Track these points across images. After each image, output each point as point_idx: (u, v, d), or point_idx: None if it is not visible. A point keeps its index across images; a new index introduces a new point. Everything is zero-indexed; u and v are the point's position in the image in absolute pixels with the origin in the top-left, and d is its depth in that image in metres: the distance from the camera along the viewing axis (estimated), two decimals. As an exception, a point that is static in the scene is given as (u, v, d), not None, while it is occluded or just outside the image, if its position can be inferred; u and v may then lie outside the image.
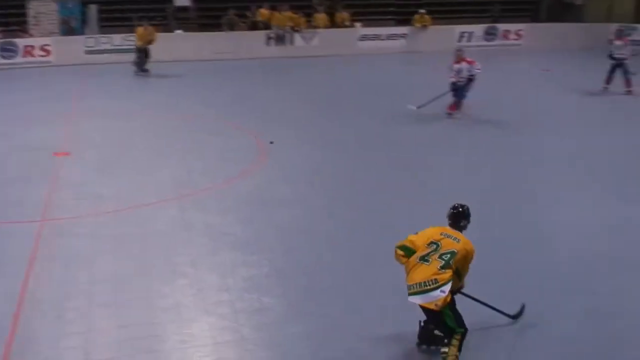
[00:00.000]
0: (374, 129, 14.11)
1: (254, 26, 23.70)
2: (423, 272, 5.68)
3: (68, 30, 22.99)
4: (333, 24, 24.46)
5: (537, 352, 6.29)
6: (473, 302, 6.27)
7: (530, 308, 6.68)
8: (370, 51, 23.83)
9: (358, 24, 24.83)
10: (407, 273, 5.85)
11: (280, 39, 23.34)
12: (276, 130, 13.74)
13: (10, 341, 6.30)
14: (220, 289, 7.46)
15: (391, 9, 26.33)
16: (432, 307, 5.64)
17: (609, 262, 8.12)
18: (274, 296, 7.29)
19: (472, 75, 14.67)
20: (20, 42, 21.63)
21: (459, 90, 14.76)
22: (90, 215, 9.44)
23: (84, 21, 23.30)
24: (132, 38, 20.53)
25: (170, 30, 23.04)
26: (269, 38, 23.28)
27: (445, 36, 24.87)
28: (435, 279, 5.62)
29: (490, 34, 25.73)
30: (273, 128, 13.90)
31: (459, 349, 5.65)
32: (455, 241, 5.81)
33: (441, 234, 5.87)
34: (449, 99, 14.92)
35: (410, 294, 5.77)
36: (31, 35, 22.36)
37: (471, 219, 6.11)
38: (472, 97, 14.85)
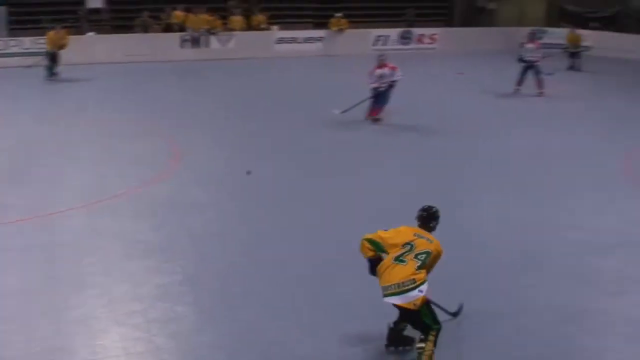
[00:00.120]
0: (292, 133, 14.07)
1: (169, 28, 23.36)
2: (400, 273, 5.79)
3: (-25, 32, 22.20)
4: (249, 26, 24.34)
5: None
6: None
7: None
8: (287, 54, 23.80)
9: (275, 27, 24.77)
10: (381, 275, 5.94)
11: (195, 42, 23.07)
12: (191, 134, 13.58)
13: None
14: (132, 298, 7.28)
15: (308, 12, 26.37)
16: (411, 306, 5.77)
17: (522, 261, 8.32)
18: (187, 304, 7.18)
19: (393, 81, 14.54)
20: None
21: (381, 95, 14.64)
22: (-7, 225, 9.06)
23: (-8, 23, 22.53)
24: (42, 41, 19.88)
25: (83, 33, 22.48)
26: (183, 40, 22.98)
27: (362, 40, 25.11)
28: (413, 279, 5.75)
29: (405, 38, 26.04)
30: (187, 132, 13.72)
31: (435, 345, 5.81)
32: (429, 242, 5.97)
33: (414, 235, 6.00)
34: (370, 104, 14.85)
35: (387, 295, 5.86)
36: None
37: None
38: (391, 102, 14.81)
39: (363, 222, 9.39)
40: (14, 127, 14.04)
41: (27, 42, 21.33)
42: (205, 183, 11.04)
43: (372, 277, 6.12)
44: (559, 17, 28.50)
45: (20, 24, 22.55)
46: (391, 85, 14.58)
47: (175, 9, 23.33)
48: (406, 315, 5.96)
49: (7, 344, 6.32)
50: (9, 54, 21.28)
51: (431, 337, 5.80)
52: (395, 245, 5.92)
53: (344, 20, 24.84)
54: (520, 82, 18.30)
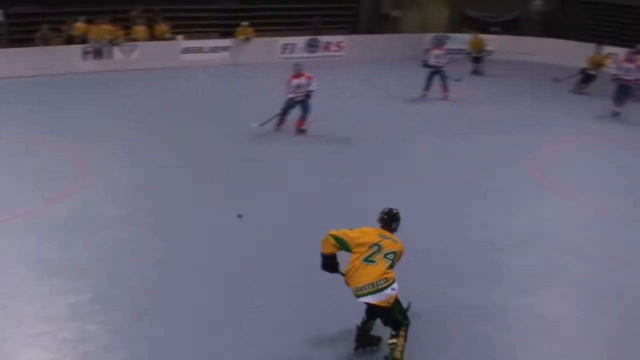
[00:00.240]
0: (202, 145, 13.76)
1: (70, 40, 22.68)
2: (373, 273, 6.04)
3: None
4: (153, 36, 23.89)
5: None
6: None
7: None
8: (193, 64, 23.48)
9: (180, 37, 24.40)
10: (351, 276, 6.16)
11: (98, 53, 22.48)
12: (96, 148, 13.14)
13: None
14: (41, 319, 7.02)
15: (213, 21, 26.10)
16: (386, 304, 6.06)
17: (434, 262, 8.46)
18: (99, 323, 7.00)
19: (310, 91, 14.33)
20: None
21: (302, 105, 14.41)
22: None
23: None
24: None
25: (-21, 47, 21.62)
26: (85, 52, 22.35)
27: (269, 48, 25.03)
28: (386, 278, 6.04)
29: (312, 46, 26.10)
30: (93, 146, 13.26)
31: (405, 339, 6.12)
32: (394, 242, 6.26)
33: (380, 236, 6.27)
34: (295, 115, 14.61)
35: (362, 295, 6.10)
36: None
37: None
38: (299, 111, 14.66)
39: (278, 232, 9.40)
40: None
41: None
42: (112, 198, 10.72)
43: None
44: (461, 22, 29.17)
45: None
46: (307, 95, 14.36)
47: (76, 20, 22.70)
48: (380, 313, 6.22)
49: None
50: None
51: (402, 333, 6.11)
52: (361, 245, 6.16)
53: (250, 29, 24.69)
54: (427, 87, 18.61)
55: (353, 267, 6.14)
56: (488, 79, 22.53)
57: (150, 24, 23.86)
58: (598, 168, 12.98)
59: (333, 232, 6.26)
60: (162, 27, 23.93)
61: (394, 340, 6.10)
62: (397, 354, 6.07)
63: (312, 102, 14.45)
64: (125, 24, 23.48)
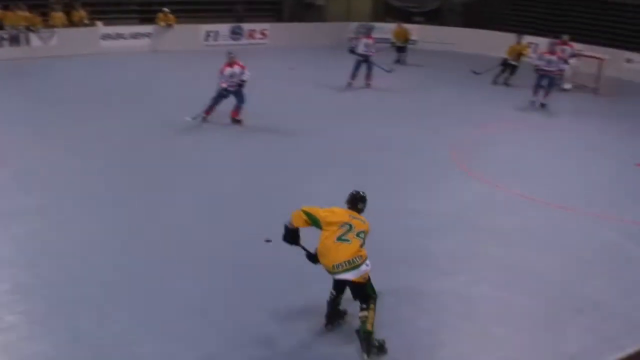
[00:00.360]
0: (123, 135, 13.40)
1: (-15, 26, 21.97)
2: (347, 251, 6.30)
3: None
4: (71, 22, 23.29)
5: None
6: None
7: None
8: (113, 50, 22.99)
9: (99, 23, 23.85)
10: (324, 255, 6.37)
11: (14, 40, 21.82)
12: (11, 137, 12.71)
13: None
14: (-45, 311, 6.78)
15: (133, 7, 25.63)
16: (361, 280, 6.35)
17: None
18: (18, 313, 6.84)
19: (242, 81, 14.04)
20: None
21: (235, 95, 14.12)
22: None
23: None
24: None
25: None
26: (1, 39, 21.67)
27: (192, 35, 24.83)
28: (360, 255, 6.33)
29: (236, 34, 25.94)
30: (8, 135, 12.80)
31: (374, 311, 6.37)
32: (363, 222, 6.52)
33: (350, 216, 6.50)
34: (229, 105, 14.33)
35: (338, 272, 6.35)
36: None
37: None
38: (231, 102, 14.40)
39: (193, 217, 9.33)
40: None
41: None
42: (29, 188, 10.37)
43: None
44: (384, 12, 29.49)
45: None
46: (240, 85, 14.06)
47: (-9, 6, 21.98)
48: (354, 288, 6.46)
49: None
50: None
51: (372, 306, 6.38)
52: (331, 224, 6.38)
53: (171, 16, 24.35)
54: (353, 76, 18.72)
55: (325, 246, 6.37)
56: (410, 69, 22.84)
57: (68, 10, 23.27)
58: (517, 155, 13.29)
59: (305, 208, 6.47)
60: (81, 13, 23.38)
61: (365, 313, 6.35)
62: (369, 326, 6.32)
63: (243, 91, 14.22)
64: (42, 10, 22.83)
